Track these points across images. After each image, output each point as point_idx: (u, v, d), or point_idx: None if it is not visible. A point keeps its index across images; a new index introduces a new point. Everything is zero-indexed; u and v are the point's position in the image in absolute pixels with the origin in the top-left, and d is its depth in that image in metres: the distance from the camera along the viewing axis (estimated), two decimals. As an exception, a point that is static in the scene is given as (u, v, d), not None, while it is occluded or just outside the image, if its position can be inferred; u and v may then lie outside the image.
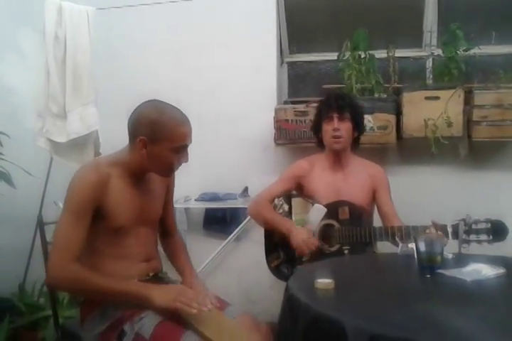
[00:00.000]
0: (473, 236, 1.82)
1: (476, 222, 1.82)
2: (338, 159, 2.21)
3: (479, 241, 1.82)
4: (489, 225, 1.82)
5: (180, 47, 2.92)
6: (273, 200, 2.23)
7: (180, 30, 2.92)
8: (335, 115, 2.12)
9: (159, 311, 1.44)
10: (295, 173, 2.26)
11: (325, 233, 2.11)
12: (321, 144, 2.25)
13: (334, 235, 2.08)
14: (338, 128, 2.12)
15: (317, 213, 2.09)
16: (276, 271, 2.23)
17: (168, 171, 1.59)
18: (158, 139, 1.49)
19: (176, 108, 1.56)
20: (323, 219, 2.09)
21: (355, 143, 2.24)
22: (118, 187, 1.52)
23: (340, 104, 2.13)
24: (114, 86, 2.82)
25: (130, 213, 1.55)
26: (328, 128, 2.15)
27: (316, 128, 2.24)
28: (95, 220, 1.48)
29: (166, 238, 1.84)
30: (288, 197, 2.24)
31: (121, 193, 1.53)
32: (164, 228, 1.82)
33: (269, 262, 2.25)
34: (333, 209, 2.10)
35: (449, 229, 1.85)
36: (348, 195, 2.13)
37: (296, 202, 2.22)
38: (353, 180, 2.19)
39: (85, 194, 1.45)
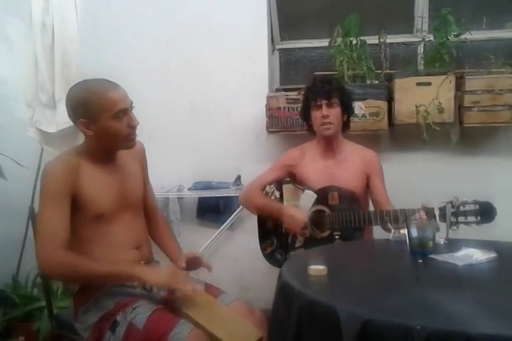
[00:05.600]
0: (461, 218, 1.80)
1: (464, 204, 1.81)
2: (329, 145, 2.20)
3: (467, 223, 1.81)
4: (477, 206, 1.81)
5: (171, 34, 2.88)
6: (264, 189, 2.24)
7: (170, 17, 2.88)
8: (323, 102, 2.11)
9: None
10: (285, 162, 2.27)
11: (316, 219, 2.11)
12: (311, 130, 2.24)
13: (325, 221, 2.09)
14: (327, 115, 2.10)
15: (307, 199, 2.10)
16: (270, 257, 2.25)
17: (126, 141, 1.55)
18: (96, 114, 1.47)
19: (101, 79, 1.54)
20: (313, 205, 2.10)
21: (345, 126, 2.23)
22: (90, 176, 1.52)
23: (327, 89, 2.11)
24: (104, 74, 2.77)
25: (109, 199, 1.55)
26: (317, 115, 2.13)
27: (305, 114, 2.23)
28: (76, 210, 1.49)
29: (149, 221, 1.80)
30: (279, 184, 2.25)
31: (95, 180, 1.53)
32: (145, 209, 1.78)
33: (263, 249, 2.27)
34: (323, 195, 2.10)
35: (437, 212, 1.84)
36: (341, 181, 2.12)
37: (287, 188, 2.23)
38: (346, 166, 2.18)
39: (59, 181, 1.45)
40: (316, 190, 2.11)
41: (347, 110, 2.18)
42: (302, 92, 2.49)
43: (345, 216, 2.03)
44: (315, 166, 2.20)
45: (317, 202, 2.10)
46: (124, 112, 1.50)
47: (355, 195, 2.12)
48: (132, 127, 1.52)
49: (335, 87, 2.14)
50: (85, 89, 1.51)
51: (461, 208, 1.81)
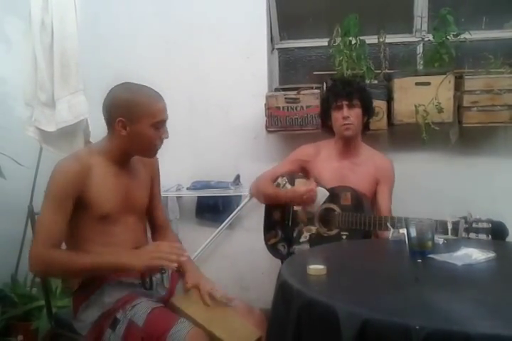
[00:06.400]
0: (472, 235, 1.79)
1: (477, 221, 1.79)
2: (347, 146, 2.21)
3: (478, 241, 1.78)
4: (490, 225, 1.78)
5: (170, 34, 2.88)
6: (275, 180, 2.25)
7: (169, 16, 2.88)
8: (344, 103, 2.12)
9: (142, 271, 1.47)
10: (299, 157, 2.28)
11: (325, 216, 2.11)
12: (329, 130, 2.24)
13: (334, 220, 2.09)
14: (348, 116, 2.12)
15: (319, 196, 2.10)
16: (272, 249, 2.25)
17: (152, 150, 1.59)
18: (138, 117, 1.49)
19: (147, 86, 1.56)
20: (324, 203, 2.10)
21: (365, 128, 2.24)
22: (100, 176, 1.52)
23: (348, 90, 2.12)
24: (103, 74, 2.77)
25: (114, 201, 1.55)
26: (337, 116, 2.15)
27: (325, 115, 2.24)
28: (81, 209, 1.49)
29: (159, 234, 1.81)
30: (292, 178, 2.25)
31: (104, 182, 1.53)
32: (155, 222, 1.80)
33: (266, 239, 2.27)
34: (335, 194, 2.11)
35: (449, 226, 1.82)
36: (352, 184, 2.13)
37: (299, 183, 2.23)
38: (359, 170, 2.19)
39: (66, 183, 1.46)
40: (330, 188, 2.12)
41: (367, 111, 2.20)
42: (302, 92, 2.49)
43: (355, 217, 2.02)
44: (329, 165, 2.21)
45: (329, 200, 2.10)
46: (163, 124, 1.54)
47: (368, 198, 2.12)
48: (162, 140, 1.57)
49: (356, 88, 2.15)
50: (134, 92, 1.53)
51: (474, 225, 1.79)
